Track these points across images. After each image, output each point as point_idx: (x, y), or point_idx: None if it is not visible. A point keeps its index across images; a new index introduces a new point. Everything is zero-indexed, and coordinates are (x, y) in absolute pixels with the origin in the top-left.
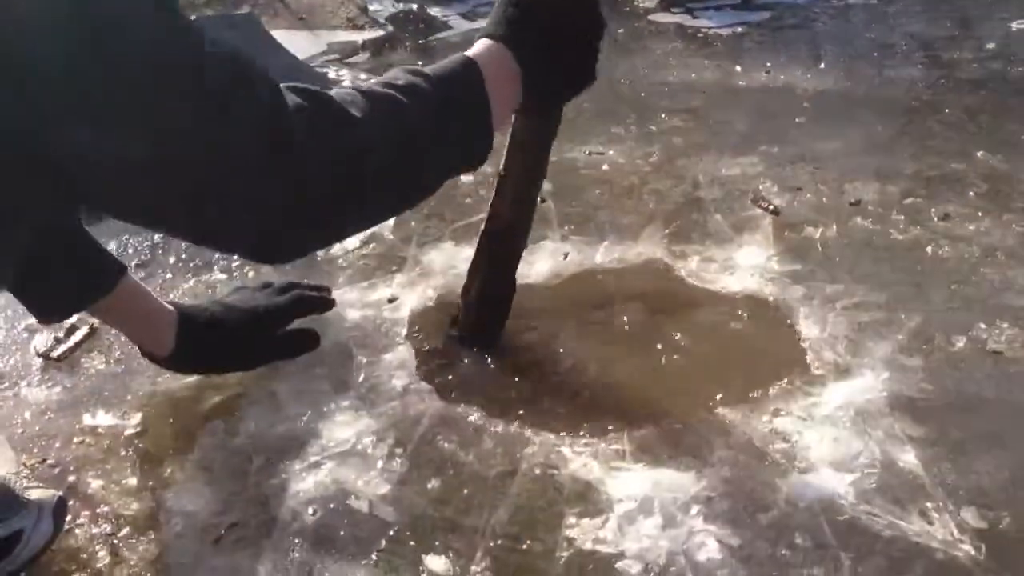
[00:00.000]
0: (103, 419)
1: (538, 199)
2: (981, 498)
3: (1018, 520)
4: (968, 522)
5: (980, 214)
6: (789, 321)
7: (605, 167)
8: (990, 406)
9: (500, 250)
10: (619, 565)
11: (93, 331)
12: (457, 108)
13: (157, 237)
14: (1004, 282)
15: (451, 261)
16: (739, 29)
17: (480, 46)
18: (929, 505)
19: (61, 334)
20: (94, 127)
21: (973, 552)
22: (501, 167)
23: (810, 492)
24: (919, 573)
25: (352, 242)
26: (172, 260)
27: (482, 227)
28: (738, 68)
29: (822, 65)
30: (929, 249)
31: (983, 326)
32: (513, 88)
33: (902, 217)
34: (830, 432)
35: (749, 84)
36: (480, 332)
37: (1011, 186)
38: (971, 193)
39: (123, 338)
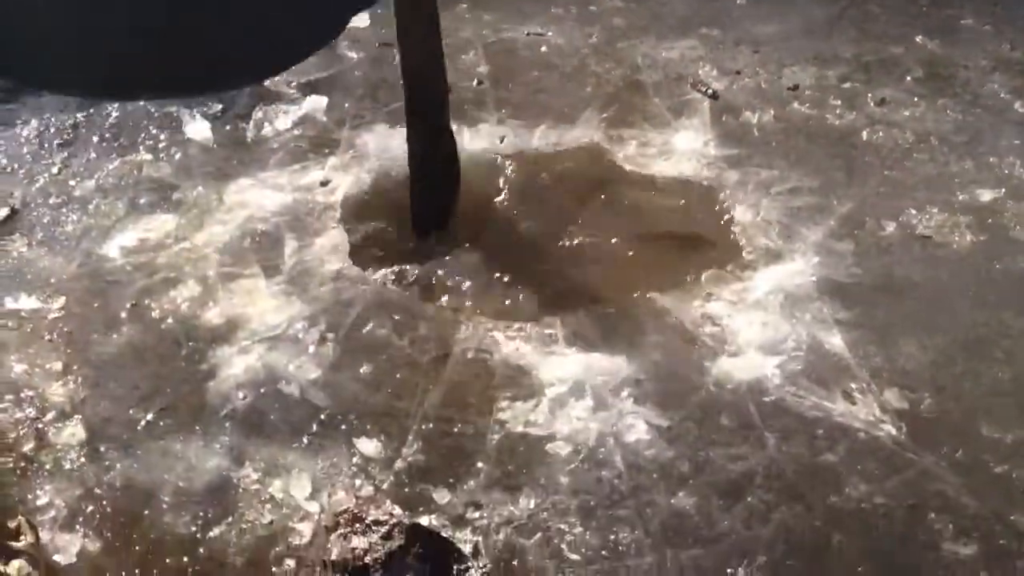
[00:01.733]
0: (25, 302)
1: (472, 81)
2: (904, 379)
3: (939, 401)
4: (891, 403)
5: (916, 99)
6: (724, 206)
7: (544, 49)
8: (917, 290)
9: (425, 109)
10: (549, 447)
11: (14, 212)
12: None
13: (80, 115)
14: (936, 168)
15: (385, 143)
16: None
17: None
18: (853, 387)
19: None
20: None
21: (894, 432)
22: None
23: (738, 375)
24: (841, 453)
25: (283, 123)
26: (96, 139)
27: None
28: None
29: None
30: (864, 134)
31: (913, 211)
32: None
33: (839, 102)
34: (759, 316)
35: None
36: (437, 207)
37: (948, 71)
38: (908, 78)
39: (46, 219)
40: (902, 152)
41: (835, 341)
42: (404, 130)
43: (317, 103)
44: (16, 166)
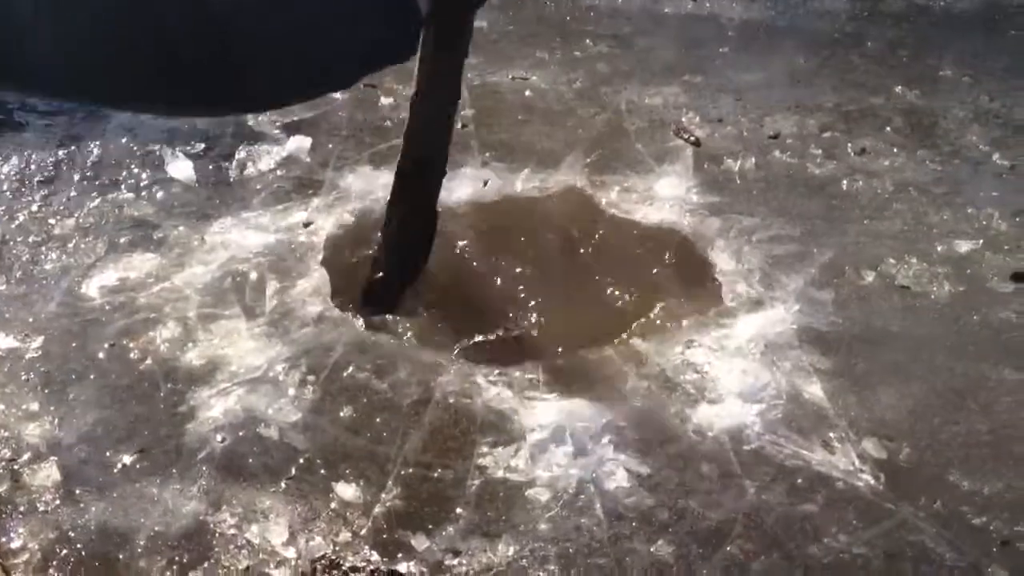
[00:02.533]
0: (3, 342)
1: (457, 124)
2: (882, 429)
3: (917, 450)
4: (869, 452)
5: (895, 149)
6: (706, 253)
7: (528, 93)
8: (896, 340)
9: (419, 180)
10: (529, 493)
11: None
12: None
13: (61, 153)
14: (915, 218)
15: (369, 185)
16: None
17: None
18: (832, 436)
19: None
20: None
21: (873, 481)
22: (414, 90)
23: (718, 422)
24: (820, 502)
25: (267, 163)
26: (77, 178)
27: (400, 157)
28: None
29: None
30: (844, 183)
31: (892, 261)
32: None
33: (820, 151)
34: (740, 364)
35: (675, 11)
36: (399, 277)
37: (927, 122)
38: (888, 128)
39: (25, 257)
40: (882, 202)
41: (814, 390)
42: (389, 172)
43: (301, 143)
44: None
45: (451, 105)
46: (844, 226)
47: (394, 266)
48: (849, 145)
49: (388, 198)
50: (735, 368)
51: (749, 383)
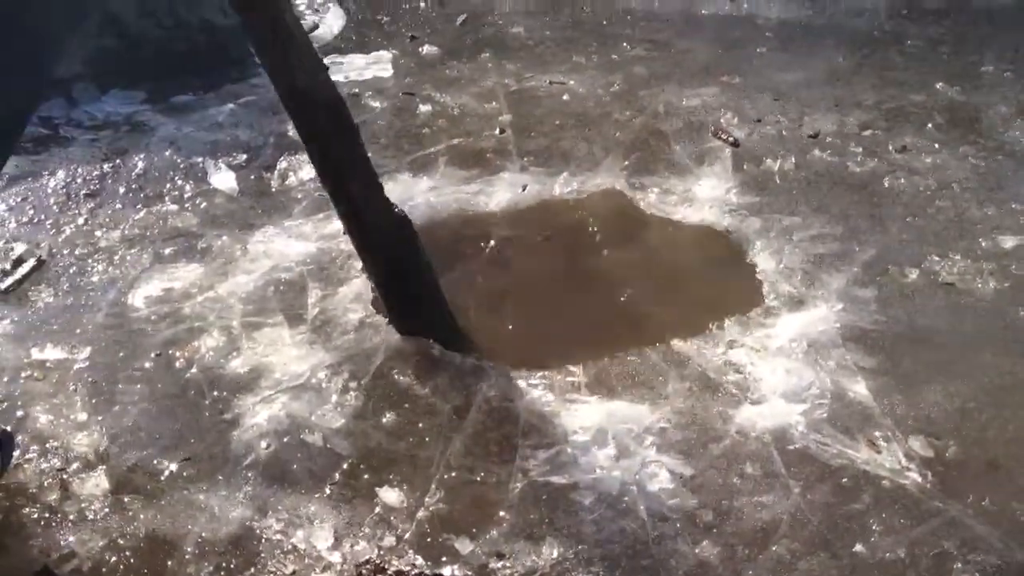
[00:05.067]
0: (51, 353)
1: (495, 130)
2: (929, 427)
3: (964, 449)
4: (916, 451)
5: (937, 146)
6: (746, 253)
7: (566, 97)
8: (941, 337)
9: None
10: (572, 496)
11: (41, 263)
12: None
13: (107, 167)
14: (958, 215)
15: (408, 192)
16: None
17: None
18: (878, 434)
19: (8, 266)
20: None
21: (920, 480)
22: None
23: (761, 423)
24: (867, 501)
25: (308, 173)
26: (122, 190)
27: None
28: None
29: None
30: (886, 181)
31: (936, 258)
32: None
33: (860, 149)
34: (783, 363)
35: (712, 12)
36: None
37: (969, 118)
38: (929, 125)
39: (72, 269)
40: (924, 199)
41: (859, 388)
42: (428, 179)
43: None
44: (43, 216)
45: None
46: (886, 224)
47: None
48: (890, 143)
49: (402, 205)
50: (778, 368)
51: (792, 383)
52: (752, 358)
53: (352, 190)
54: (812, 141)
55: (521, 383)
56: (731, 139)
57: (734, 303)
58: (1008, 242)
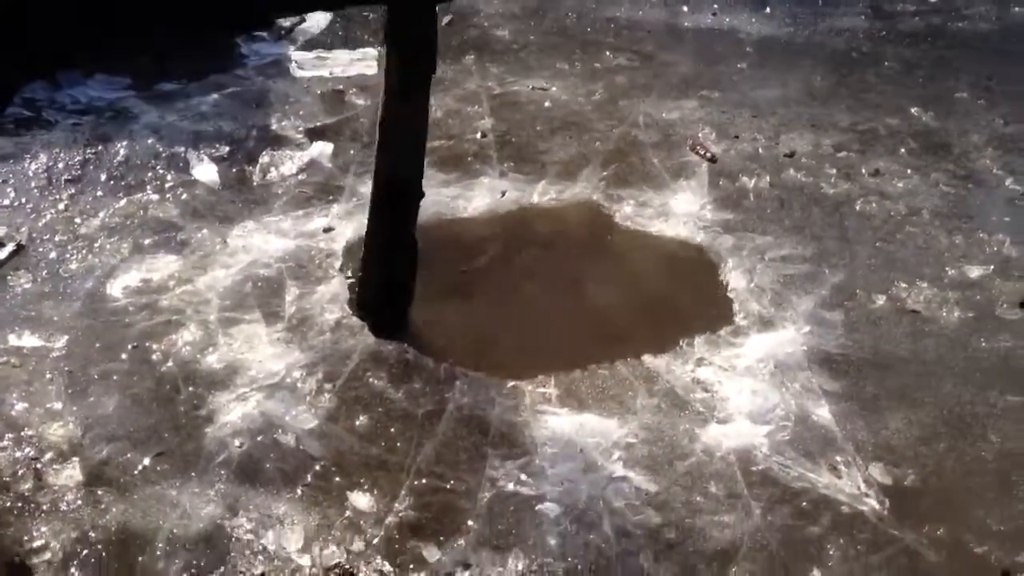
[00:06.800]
0: (29, 340)
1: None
2: (889, 454)
3: (923, 476)
4: (875, 477)
5: (909, 171)
6: (718, 270)
7: (547, 104)
8: (905, 364)
9: (396, 205)
10: (539, 507)
11: (20, 248)
12: None
13: (89, 152)
14: (927, 242)
15: None
16: None
17: None
18: (839, 459)
19: None
20: None
21: (877, 507)
22: (379, 116)
23: (727, 442)
24: (825, 525)
25: (289, 168)
26: (104, 177)
27: (373, 185)
28: (685, 8)
29: (767, 9)
30: (858, 205)
31: (903, 285)
32: None
33: (834, 171)
34: (749, 384)
35: (695, 25)
36: (384, 308)
37: (941, 144)
38: (902, 150)
39: (52, 255)
40: (894, 224)
41: (823, 412)
42: None
43: (323, 149)
44: (24, 200)
45: (423, 123)
46: (856, 248)
47: (379, 292)
48: (863, 166)
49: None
50: (745, 388)
51: (758, 403)
52: (720, 376)
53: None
54: (787, 160)
55: (493, 392)
56: (708, 154)
57: (705, 320)
58: (974, 272)
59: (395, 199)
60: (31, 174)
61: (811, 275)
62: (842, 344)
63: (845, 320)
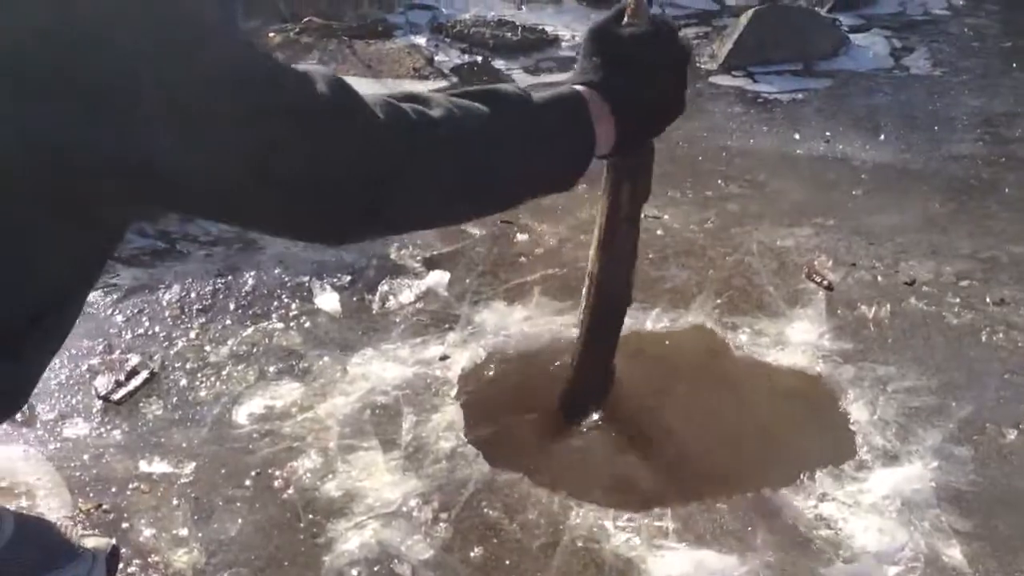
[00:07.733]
0: (158, 466)
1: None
2: None
3: None
4: None
5: None
6: (839, 402)
7: (660, 232)
8: None
9: (606, 324)
10: None
11: (153, 376)
12: (564, 126)
13: (219, 283)
14: None
15: (503, 321)
16: (799, 96)
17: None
18: None
19: (122, 377)
20: (186, 138)
21: None
22: (601, 239)
23: None
24: None
25: (407, 296)
26: (232, 307)
27: (587, 302)
28: (796, 136)
29: (881, 137)
30: (983, 335)
31: None
32: (607, 125)
33: (957, 300)
34: (875, 521)
35: (807, 153)
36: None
37: None
38: None
39: (182, 383)
40: (1022, 356)
41: (953, 553)
42: (522, 308)
43: (440, 278)
44: (157, 329)
45: (635, 248)
46: (984, 379)
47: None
48: (987, 295)
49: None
50: (871, 526)
51: (885, 542)
52: (844, 513)
53: None
54: (908, 288)
55: (608, 525)
56: (825, 282)
57: (826, 454)
58: None
59: (616, 314)
60: (164, 304)
61: (937, 408)
62: (972, 480)
63: (975, 455)
